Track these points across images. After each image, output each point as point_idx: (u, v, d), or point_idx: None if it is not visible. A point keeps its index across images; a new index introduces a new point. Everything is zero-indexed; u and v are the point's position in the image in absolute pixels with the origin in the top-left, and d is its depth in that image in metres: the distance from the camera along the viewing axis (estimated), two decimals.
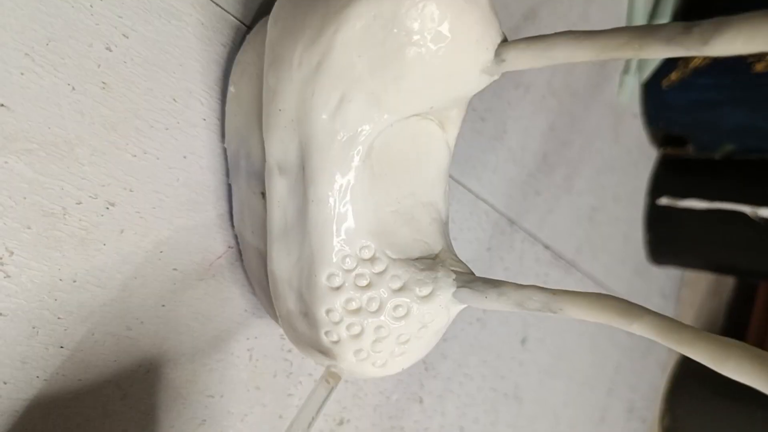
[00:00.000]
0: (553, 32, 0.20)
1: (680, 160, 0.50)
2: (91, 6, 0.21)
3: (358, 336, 0.22)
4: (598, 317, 0.20)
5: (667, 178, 0.51)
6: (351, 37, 0.19)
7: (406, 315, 0.22)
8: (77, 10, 0.21)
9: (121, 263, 0.23)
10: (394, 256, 0.22)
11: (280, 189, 0.22)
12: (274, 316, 0.26)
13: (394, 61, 0.20)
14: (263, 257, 0.24)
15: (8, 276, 0.20)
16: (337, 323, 0.22)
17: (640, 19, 0.46)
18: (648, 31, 0.17)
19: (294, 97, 0.21)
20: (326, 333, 0.22)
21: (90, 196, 0.22)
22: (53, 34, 0.20)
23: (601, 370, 0.50)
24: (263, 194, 0.24)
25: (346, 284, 0.22)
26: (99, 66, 0.21)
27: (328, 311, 0.22)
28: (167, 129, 0.23)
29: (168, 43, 0.23)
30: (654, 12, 0.48)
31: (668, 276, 0.57)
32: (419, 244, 0.23)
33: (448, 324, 0.23)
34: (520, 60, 0.19)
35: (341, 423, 0.31)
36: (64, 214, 0.21)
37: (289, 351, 0.29)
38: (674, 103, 0.47)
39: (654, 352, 0.57)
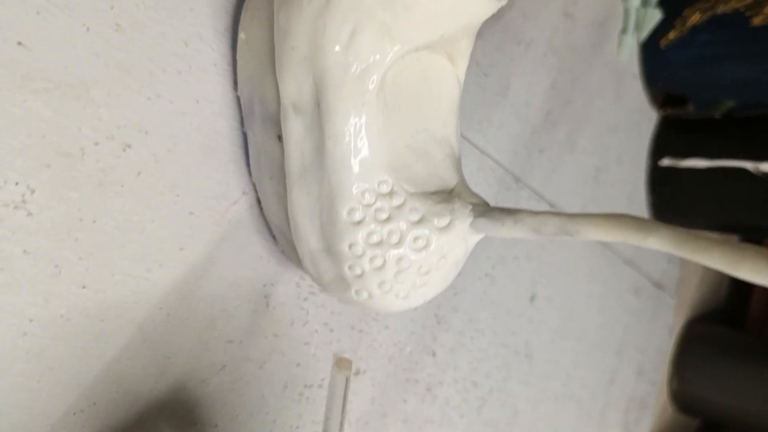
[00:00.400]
0: None
1: (681, 120, 0.51)
2: None
3: (380, 268, 0.23)
4: (614, 235, 0.21)
5: (668, 138, 0.51)
6: None
7: (426, 246, 0.23)
8: None
9: (137, 205, 0.23)
10: (411, 190, 0.23)
11: (296, 129, 0.23)
12: (297, 261, 0.26)
13: None
14: (283, 201, 0.25)
15: (30, 214, 0.21)
16: (359, 256, 0.22)
17: None
18: None
19: (306, 33, 0.21)
20: (350, 267, 0.23)
21: (107, 137, 0.22)
22: None
23: (610, 331, 0.50)
24: (279, 137, 0.24)
25: (367, 218, 0.22)
26: (112, 8, 0.22)
27: (350, 245, 0.22)
28: (179, 73, 0.24)
29: None
30: None
31: None
32: (434, 178, 0.23)
33: (466, 255, 0.24)
34: None
35: (357, 373, 0.31)
36: (83, 155, 0.22)
37: (305, 300, 0.29)
38: (673, 62, 0.47)
39: (662, 314, 0.57)
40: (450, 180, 0.24)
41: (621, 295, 0.51)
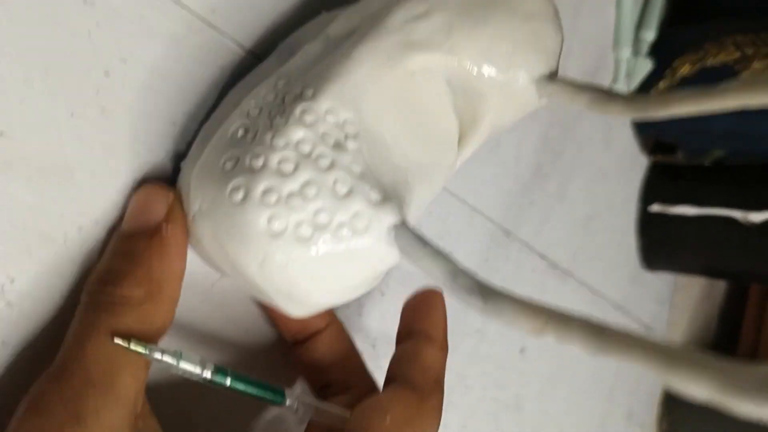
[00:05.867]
0: None
1: (671, 166, 0.51)
2: (89, 33, 0.21)
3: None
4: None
5: (658, 185, 0.51)
6: None
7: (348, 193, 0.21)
8: (75, 37, 0.21)
9: None
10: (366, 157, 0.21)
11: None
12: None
13: (485, 9, 0.23)
14: None
15: (10, 304, 0.20)
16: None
17: (627, 29, 0.46)
18: None
19: None
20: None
21: (91, 222, 0.22)
22: (51, 62, 0.20)
23: (601, 376, 0.50)
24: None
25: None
26: (98, 92, 0.21)
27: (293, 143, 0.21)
28: (166, 153, 0.24)
29: (166, 67, 0.23)
30: (641, 21, 0.49)
31: (662, 281, 0.57)
32: (393, 175, 0.22)
33: (380, 264, 0.22)
34: None
35: None
36: (65, 241, 0.21)
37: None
38: None
39: None
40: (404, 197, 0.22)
41: None
